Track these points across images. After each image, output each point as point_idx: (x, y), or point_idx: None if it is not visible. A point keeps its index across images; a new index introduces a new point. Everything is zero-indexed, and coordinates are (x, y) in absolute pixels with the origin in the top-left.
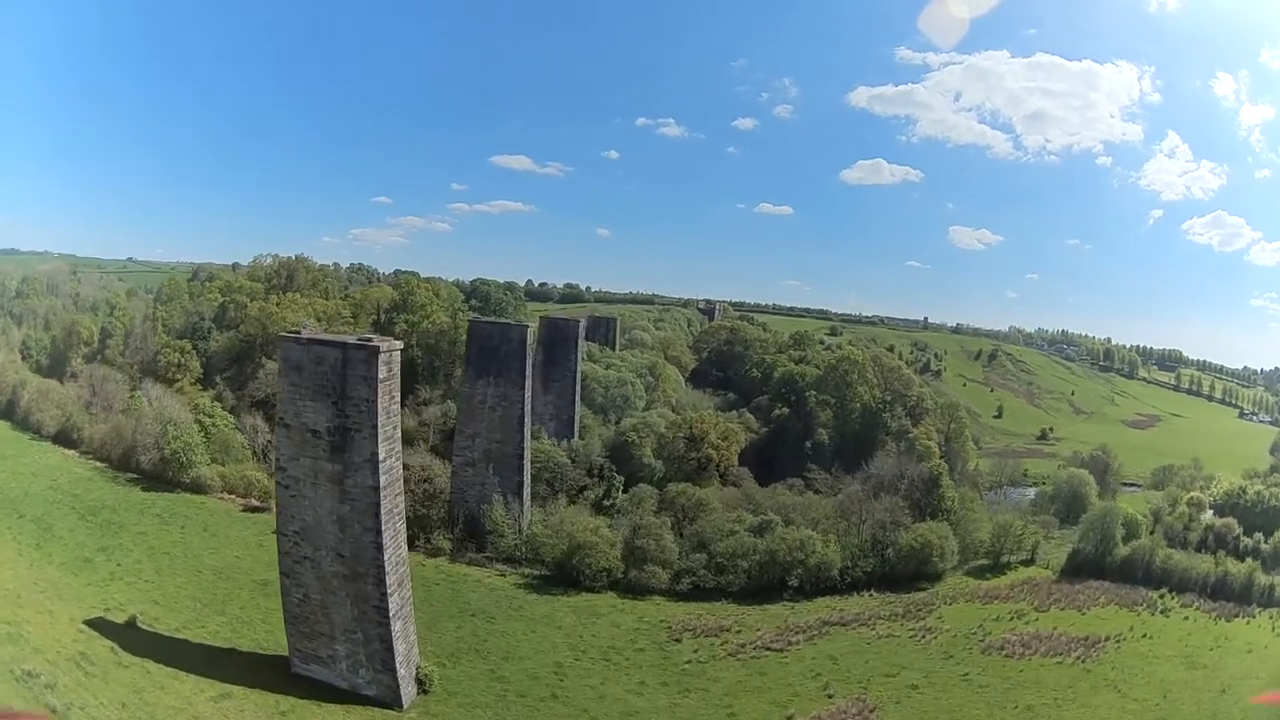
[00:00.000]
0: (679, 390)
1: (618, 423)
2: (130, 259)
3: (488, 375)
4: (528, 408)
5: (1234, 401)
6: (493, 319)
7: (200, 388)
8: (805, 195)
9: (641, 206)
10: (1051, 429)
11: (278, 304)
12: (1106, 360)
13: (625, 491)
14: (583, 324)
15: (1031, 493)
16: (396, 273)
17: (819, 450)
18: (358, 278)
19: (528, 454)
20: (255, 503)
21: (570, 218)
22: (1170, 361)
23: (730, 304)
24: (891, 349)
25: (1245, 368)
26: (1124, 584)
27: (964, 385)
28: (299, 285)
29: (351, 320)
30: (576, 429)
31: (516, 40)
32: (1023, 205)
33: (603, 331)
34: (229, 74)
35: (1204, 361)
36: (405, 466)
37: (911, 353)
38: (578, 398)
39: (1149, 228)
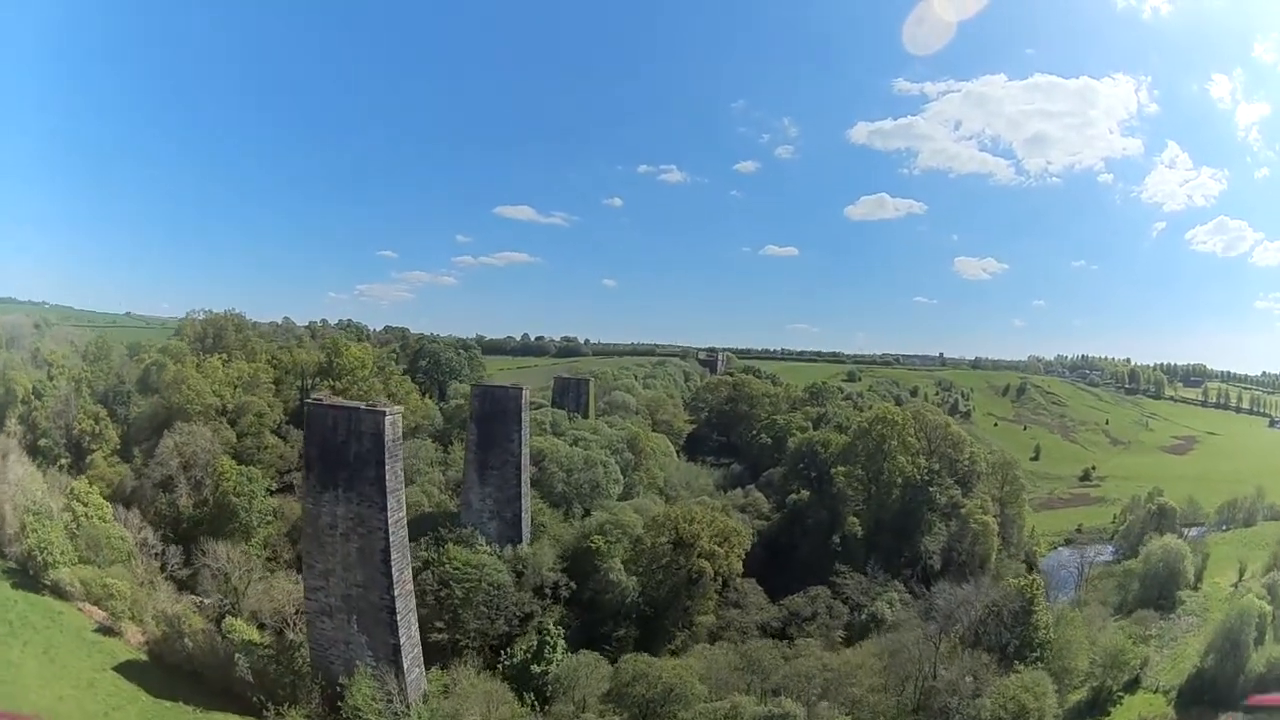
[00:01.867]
0: (669, 466)
1: (586, 515)
2: (129, 313)
3: (334, 487)
4: (395, 538)
5: (1262, 410)
6: (337, 402)
7: (119, 459)
8: (810, 235)
9: (647, 254)
10: (1094, 467)
11: (196, 367)
12: (1132, 382)
13: (580, 637)
14: (526, 393)
15: (1098, 553)
16: (386, 328)
17: (849, 544)
18: (346, 335)
19: (404, 603)
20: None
21: (576, 268)
22: (1195, 376)
23: (735, 352)
24: (915, 391)
25: (1265, 373)
26: (1258, 711)
27: (995, 425)
28: (227, 345)
29: (273, 386)
30: (525, 531)
31: (516, 90)
32: (1027, 231)
33: (573, 395)
34: (229, 127)
35: (1227, 372)
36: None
37: (937, 394)
38: (524, 489)
39: (1153, 241)
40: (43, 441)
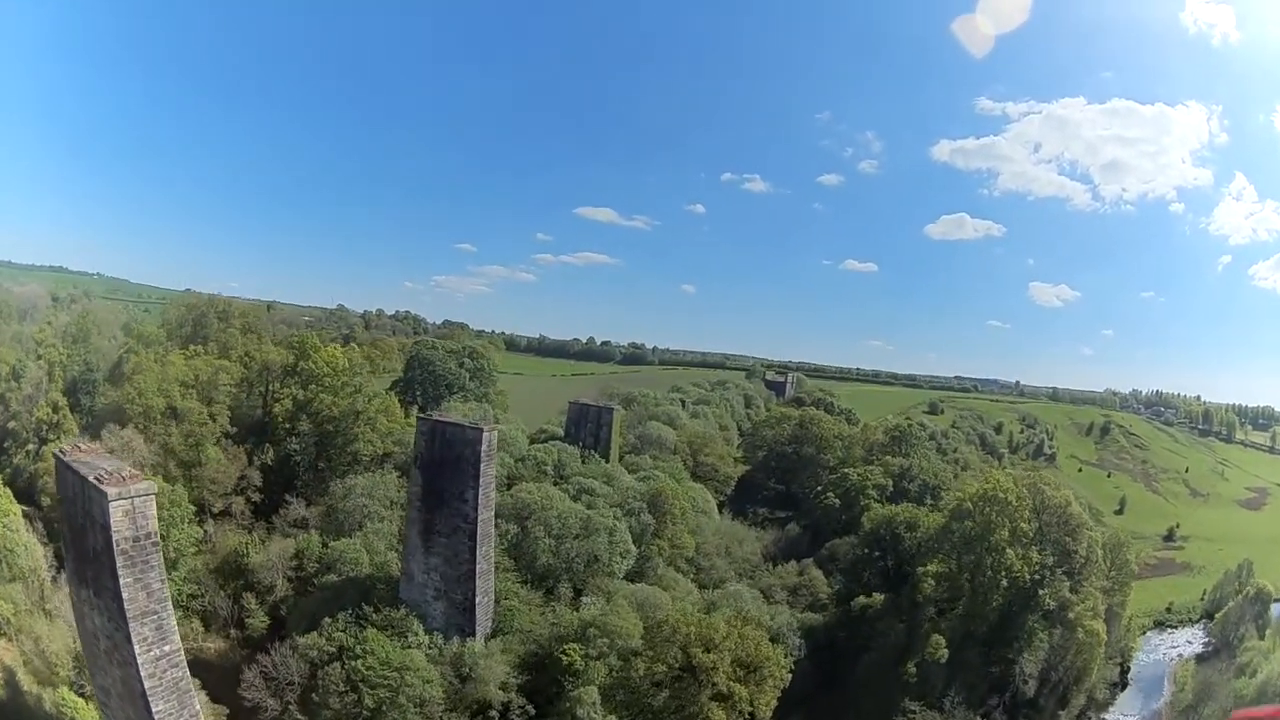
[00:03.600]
0: (705, 527)
1: (577, 597)
2: (189, 289)
3: (86, 585)
4: (154, 683)
5: None
6: (76, 461)
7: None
8: (890, 252)
9: (727, 262)
10: (1177, 525)
11: (156, 360)
12: (1205, 423)
13: None
14: (490, 436)
15: (1186, 637)
16: (445, 323)
17: (928, 671)
18: (402, 327)
19: None
20: None
21: (655, 272)
22: (1263, 419)
23: (807, 371)
24: (1000, 428)
25: None
26: None
27: (1079, 470)
28: (207, 335)
29: (235, 388)
30: (481, 621)
31: (601, 91)
32: (1100, 258)
33: (590, 427)
34: (308, 113)
35: None
36: None
37: (1021, 430)
38: (479, 567)
39: (1218, 275)
40: (12, 424)
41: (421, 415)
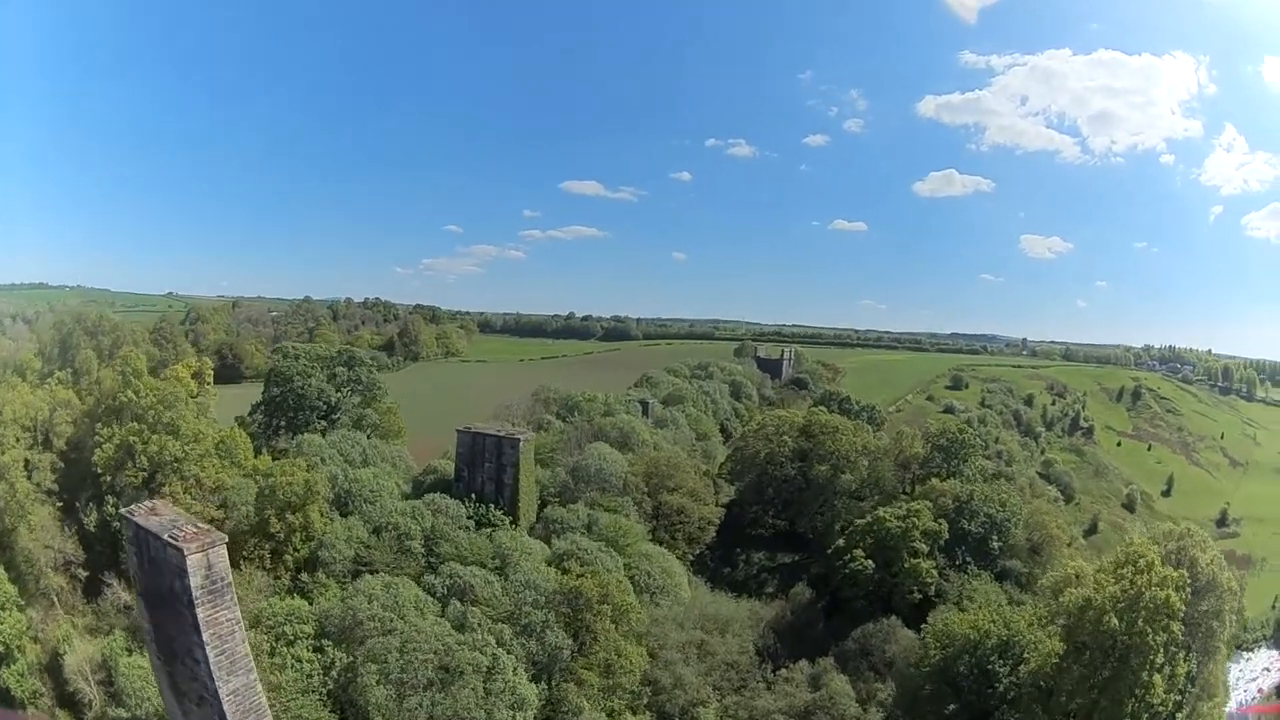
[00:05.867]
0: (659, 626)
1: None
2: (170, 293)
3: None
4: None
5: None
6: None
7: None
8: (879, 210)
9: (716, 228)
10: (1228, 505)
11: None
12: (1225, 380)
13: None
14: (197, 560)
15: (1264, 661)
16: (416, 307)
17: None
18: (372, 315)
19: None
20: None
21: (645, 242)
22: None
23: (802, 340)
24: (1030, 400)
25: None
26: None
27: (1118, 444)
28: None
29: (78, 426)
30: None
31: (580, 64)
32: (1092, 210)
33: (490, 467)
34: (287, 102)
35: None
36: None
37: (1053, 402)
38: None
39: (1210, 225)
40: None
41: (125, 511)
